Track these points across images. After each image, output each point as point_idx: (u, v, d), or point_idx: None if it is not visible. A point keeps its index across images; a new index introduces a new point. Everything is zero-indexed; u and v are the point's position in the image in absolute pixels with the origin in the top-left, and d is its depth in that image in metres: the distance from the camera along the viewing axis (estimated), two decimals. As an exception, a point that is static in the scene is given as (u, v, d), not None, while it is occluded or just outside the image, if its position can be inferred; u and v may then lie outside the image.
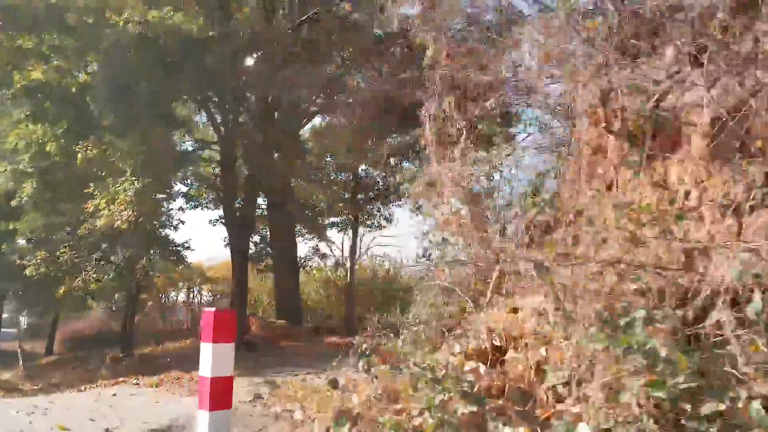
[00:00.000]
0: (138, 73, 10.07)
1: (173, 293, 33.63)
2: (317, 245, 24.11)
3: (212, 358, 3.86)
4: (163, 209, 13.31)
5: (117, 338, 18.91)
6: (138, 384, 11.37)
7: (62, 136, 11.79)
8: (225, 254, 25.33)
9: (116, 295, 21.50)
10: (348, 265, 27.14)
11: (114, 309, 26.52)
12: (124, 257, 13.12)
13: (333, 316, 23.91)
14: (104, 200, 10.83)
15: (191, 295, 35.17)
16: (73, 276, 12.68)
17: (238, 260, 14.12)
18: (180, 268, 17.80)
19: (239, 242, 14.04)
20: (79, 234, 13.80)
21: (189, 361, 14.81)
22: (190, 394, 9.83)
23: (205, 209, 21.66)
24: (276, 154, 12.80)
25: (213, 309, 4.06)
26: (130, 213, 10.34)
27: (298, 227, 22.93)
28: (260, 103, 13.38)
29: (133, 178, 10.60)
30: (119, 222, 10.47)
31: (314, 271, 25.37)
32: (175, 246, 15.99)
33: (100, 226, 11.01)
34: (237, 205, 14.53)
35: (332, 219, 24.63)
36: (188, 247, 16.91)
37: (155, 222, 13.29)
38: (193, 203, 20.33)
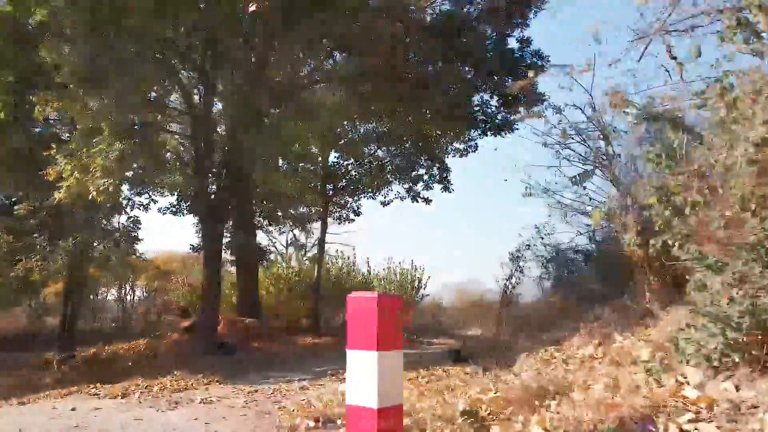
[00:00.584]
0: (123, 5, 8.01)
1: (103, 289, 30.77)
2: (293, 236, 22.52)
3: (378, 375, 2.38)
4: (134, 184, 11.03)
5: (46, 340, 16.45)
6: (98, 395, 9.41)
7: (12, 87, 9.45)
8: (160, 247, 22.92)
9: (44, 291, 18.95)
10: (313, 259, 25.62)
11: (33, 305, 23.57)
12: (74, 242, 10.96)
13: (281, 315, 22.12)
14: (70, 166, 8.69)
15: (123, 291, 32.32)
16: (11, 263, 10.44)
17: (210, 251, 12.29)
18: (133, 258, 15.59)
19: (212, 230, 12.19)
20: (17, 214, 11.51)
21: (146, 364, 12.87)
22: (172, 407, 8.09)
23: (157, 194, 19.41)
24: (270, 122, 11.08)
25: (374, 294, 2.54)
26: (109, 181, 8.29)
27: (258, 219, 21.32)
28: (248, 64, 11.56)
29: (112, 139, 8.51)
30: (94, 192, 8.39)
31: (269, 267, 23.53)
32: (127, 233, 13.80)
33: (61, 197, 8.88)
34: (210, 188, 12.65)
35: (292, 210, 23.13)
36: (136, 236, 14.77)
37: (135, 197, 11.20)
38: (140, 188, 18.03)
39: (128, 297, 32.89)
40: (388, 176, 19.62)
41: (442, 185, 17.91)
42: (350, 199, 21.55)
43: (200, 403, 8.33)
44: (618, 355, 4.29)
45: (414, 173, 18.39)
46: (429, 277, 28.24)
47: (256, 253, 20.07)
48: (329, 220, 21.25)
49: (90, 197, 8.54)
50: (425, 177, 18.15)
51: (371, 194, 21.02)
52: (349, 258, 24.32)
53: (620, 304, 5.94)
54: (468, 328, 32.52)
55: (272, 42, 10.78)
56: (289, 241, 24.76)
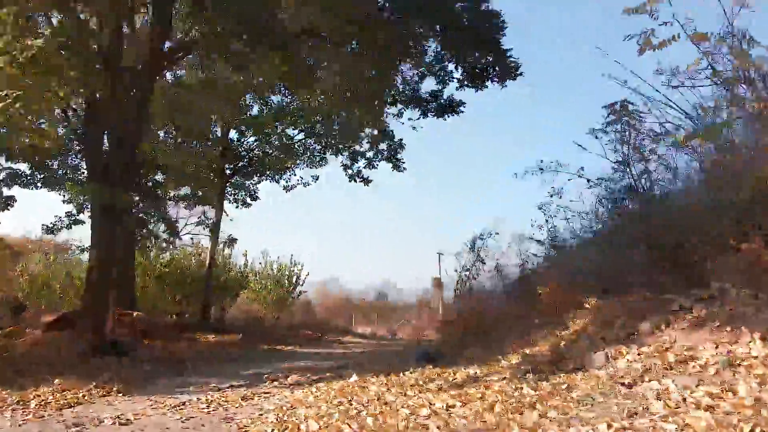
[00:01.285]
0: None
1: None
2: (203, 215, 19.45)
3: None
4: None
5: None
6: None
7: None
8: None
9: None
10: (184, 251, 22.48)
11: None
12: None
13: (151, 309, 19.11)
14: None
15: None
16: None
17: (103, 228, 9.50)
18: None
19: (108, 201, 9.42)
20: None
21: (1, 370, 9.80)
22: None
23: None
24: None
25: None
26: (16, 94, 5.32)
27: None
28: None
29: (18, 31, 5.46)
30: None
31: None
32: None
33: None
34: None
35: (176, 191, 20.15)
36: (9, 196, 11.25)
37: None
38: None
39: None
40: (299, 157, 17.70)
41: (391, 163, 16.19)
42: (248, 182, 19.22)
43: (114, 424, 6.10)
44: None
45: (353, 149, 16.45)
46: (308, 273, 27.01)
47: (133, 237, 16.98)
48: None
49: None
50: (369, 154, 16.30)
51: (274, 177, 18.95)
52: (224, 250, 21.78)
53: (699, 295, 5.03)
54: (350, 326, 31.58)
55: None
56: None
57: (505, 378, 5.22)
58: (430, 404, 4.95)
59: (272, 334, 17.62)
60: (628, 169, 11.53)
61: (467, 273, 11.50)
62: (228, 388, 7.93)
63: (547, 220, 10.40)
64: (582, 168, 10.07)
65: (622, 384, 3.95)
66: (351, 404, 5.67)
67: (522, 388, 4.62)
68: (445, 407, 4.76)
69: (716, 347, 4.18)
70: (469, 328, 8.95)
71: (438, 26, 9.94)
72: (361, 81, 10.96)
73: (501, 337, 7.84)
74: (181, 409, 6.68)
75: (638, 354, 4.70)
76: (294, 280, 27.76)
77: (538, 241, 10.52)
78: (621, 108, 12.12)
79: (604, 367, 4.73)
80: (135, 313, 12.46)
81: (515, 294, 9.66)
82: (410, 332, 33.65)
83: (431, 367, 7.54)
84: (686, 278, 5.48)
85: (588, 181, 9.92)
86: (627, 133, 11.86)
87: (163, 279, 19.91)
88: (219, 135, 18.19)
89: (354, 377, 7.28)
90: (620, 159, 11.67)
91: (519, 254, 10.76)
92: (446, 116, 12.68)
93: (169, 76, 15.71)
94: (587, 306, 6.90)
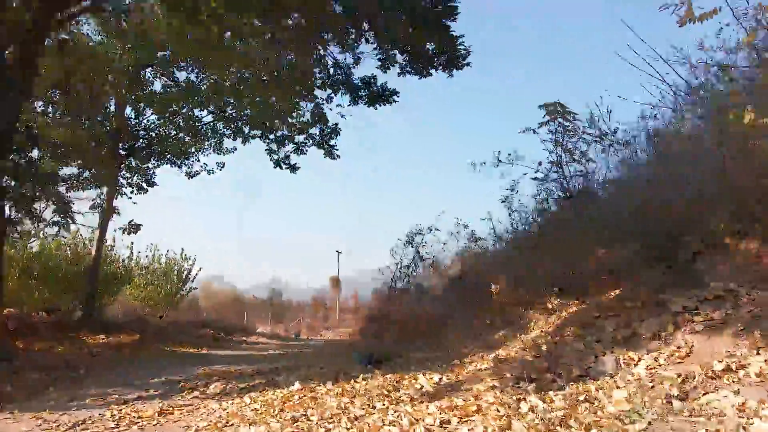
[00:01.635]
0: None
1: None
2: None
3: None
4: None
5: None
6: None
7: None
8: None
9: None
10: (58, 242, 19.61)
11: None
12: None
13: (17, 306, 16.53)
14: None
15: None
16: None
17: None
18: None
19: None
20: None
21: None
22: None
23: None
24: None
25: None
26: None
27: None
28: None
29: None
30: None
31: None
32: None
33: None
34: None
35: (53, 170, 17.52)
36: None
37: None
38: None
39: None
40: (206, 140, 16.15)
41: (323, 150, 14.81)
42: (145, 165, 17.17)
43: (-5, 452, 4.76)
44: None
45: (279, 133, 14.92)
46: (200, 268, 25.34)
47: (4, 223, 14.43)
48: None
49: None
50: (299, 137, 14.80)
51: (175, 162, 17.14)
52: (107, 241, 19.31)
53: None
54: (243, 325, 29.86)
55: None
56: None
57: (494, 387, 4.60)
58: (417, 420, 4.20)
59: (168, 333, 15.87)
60: (560, 169, 11.52)
61: (406, 269, 10.87)
62: (137, 399, 6.66)
63: (510, 214, 10.05)
64: (540, 163, 9.85)
65: (672, 396, 3.47)
66: (310, 420, 4.77)
67: (525, 400, 4.02)
68: (439, 424, 4.03)
69: (757, 353, 3.85)
70: (408, 329, 8.27)
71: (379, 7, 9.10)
72: (284, 60, 9.90)
73: (451, 339, 7.26)
74: (83, 429, 5.39)
75: (655, 360, 4.28)
76: (184, 275, 25.81)
77: (493, 237, 10.15)
78: (556, 108, 12.07)
79: (618, 375, 4.26)
80: (6, 310, 10.43)
81: (456, 292, 9.17)
82: (309, 332, 32.71)
83: (379, 372, 6.79)
84: (680, 278, 5.21)
85: (546, 175, 9.72)
86: (560, 134, 11.83)
87: (30, 272, 17.17)
88: (113, 110, 16.06)
89: (297, 385, 6.34)
90: (554, 159, 11.63)
91: (459, 251, 10.32)
92: (378, 105, 11.95)
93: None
94: (549, 306, 6.51)
